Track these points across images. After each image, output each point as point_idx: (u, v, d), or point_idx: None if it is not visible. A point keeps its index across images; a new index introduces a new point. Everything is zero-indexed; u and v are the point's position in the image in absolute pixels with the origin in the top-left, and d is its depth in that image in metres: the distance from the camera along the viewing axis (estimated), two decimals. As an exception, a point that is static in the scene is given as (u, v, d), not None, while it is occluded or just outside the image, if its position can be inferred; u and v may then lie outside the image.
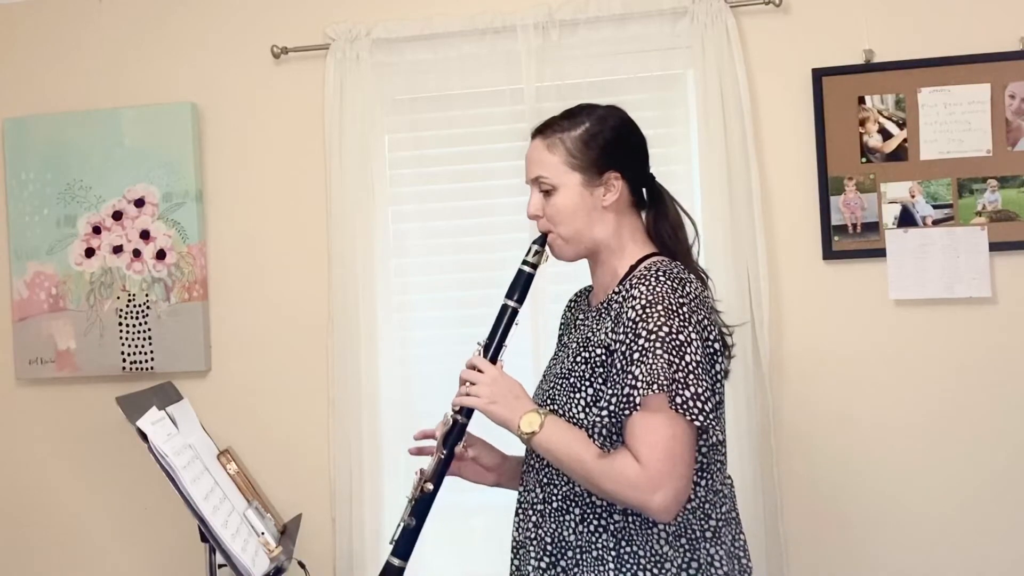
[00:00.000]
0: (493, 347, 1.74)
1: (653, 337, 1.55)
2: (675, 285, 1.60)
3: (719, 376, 1.64)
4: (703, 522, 1.64)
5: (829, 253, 2.55)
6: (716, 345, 1.62)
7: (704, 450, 1.63)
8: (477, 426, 1.77)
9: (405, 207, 2.76)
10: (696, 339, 1.56)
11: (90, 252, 2.85)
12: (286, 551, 2.31)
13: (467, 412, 1.73)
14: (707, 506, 1.65)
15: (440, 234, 2.75)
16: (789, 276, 2.57)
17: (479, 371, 1.71)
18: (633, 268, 1.70)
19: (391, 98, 2.74)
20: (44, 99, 2.92)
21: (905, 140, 2.52)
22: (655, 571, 1.61)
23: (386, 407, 2.68)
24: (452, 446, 1.74)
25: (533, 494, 1.74)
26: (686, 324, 1.56)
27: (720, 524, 1.66)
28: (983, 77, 2.48)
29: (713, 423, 1.56)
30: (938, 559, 2.49)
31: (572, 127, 1.71)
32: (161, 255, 2.82)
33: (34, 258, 2.87)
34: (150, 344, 2.81)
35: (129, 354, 2.82)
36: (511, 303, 1.75)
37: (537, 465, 1.74)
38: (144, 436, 2.13)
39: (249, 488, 2.45)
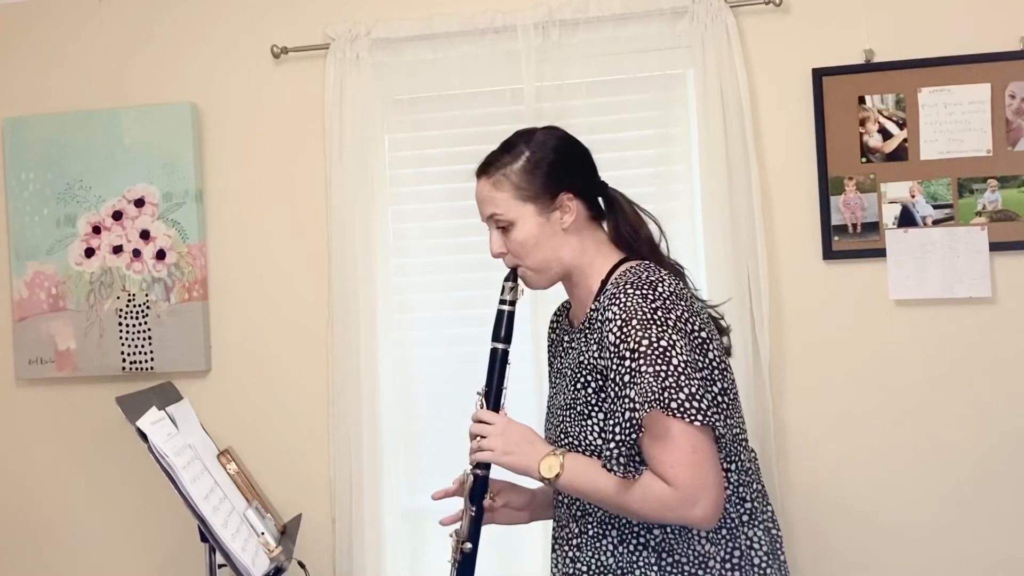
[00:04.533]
0: (493, 394, 1.72)
1: (636, 355, 1.53)
2: (645, 291, 1.58)
3: (716, 363, 1.61)
4: (739, 506, 1.64)
5: (829, 253, 2.55)
6: (703, 334, 1.60)
7: (723, 443, 1.60)
8: (496, 470, 1.73)
9: (405, 207, 2.76)
10: (678, 339, 1.54)
11: (90, 252, 2.85)
12: (286, 551, 2.31)
13: (485, 465, 1.71)
14: (741, 489, 1.64)
15: (440, 234, 2.75)
16: (789, 276, 2.57)
17: (486, 423, 1.69)
18: (606, 281, 1.68)
19: (391, 98, 2.74)
20: (44, 99, 2.92)
21: (905, 140, 2.52)
22: (700, 573, 1.60)
23: (386, 407, 2.68)
24: (480, 501, 1.73)
25: (567, 529, 1.73)
26: (665, 328, 1.54)
27: (755, 503, 1.66)
28: (983, 77, 2.48)
29: (717, 416, 1.54)
30: (937, 558, 2.49)
31: (513, 160, 1.70)
32: (161, 255, 2.81)
33: (34, 258, 2.87)
34: (150, 344, 2.81)
35: (129, 354, 2.82)
36: (499, 345, 1.73)
37: (567, 500, 1.73)
38: (144, 436, 2.13)
39: (249, 488, 2.45)
